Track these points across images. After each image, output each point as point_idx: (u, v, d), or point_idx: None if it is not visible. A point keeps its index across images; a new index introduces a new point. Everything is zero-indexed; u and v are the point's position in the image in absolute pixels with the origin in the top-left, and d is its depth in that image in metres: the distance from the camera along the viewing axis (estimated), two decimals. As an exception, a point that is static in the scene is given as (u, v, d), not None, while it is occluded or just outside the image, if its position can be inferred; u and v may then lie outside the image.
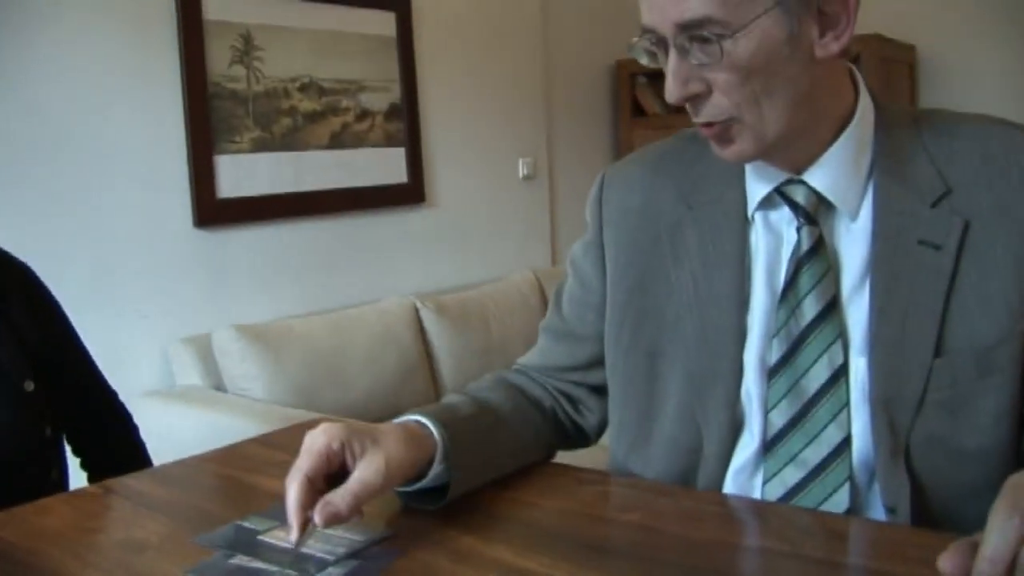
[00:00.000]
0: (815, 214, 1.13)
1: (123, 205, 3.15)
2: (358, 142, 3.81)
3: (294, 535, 0.97)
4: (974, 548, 0.75)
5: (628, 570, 0.94)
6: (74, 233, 3.04)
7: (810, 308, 1.12)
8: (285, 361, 3.18)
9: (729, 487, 1.18)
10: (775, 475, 1.13)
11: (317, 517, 0.96)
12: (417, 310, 3.73)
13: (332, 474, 1.02)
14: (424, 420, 1.11)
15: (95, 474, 1.66)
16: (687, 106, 1.08)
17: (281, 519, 1.10)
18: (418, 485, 1.09)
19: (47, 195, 2.99)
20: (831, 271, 1.12)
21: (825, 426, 1.11)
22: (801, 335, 1.12)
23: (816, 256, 1.12)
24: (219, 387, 3.17)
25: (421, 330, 3.70)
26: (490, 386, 1.30)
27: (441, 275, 4.15)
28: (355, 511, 0.99)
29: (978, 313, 1.07)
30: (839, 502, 1.10)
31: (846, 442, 1.10)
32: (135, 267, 3.20)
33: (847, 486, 1.10)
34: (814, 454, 1.11)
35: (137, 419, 3.02)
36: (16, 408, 1.47)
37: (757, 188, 1.16)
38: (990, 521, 0.74)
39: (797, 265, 1.13)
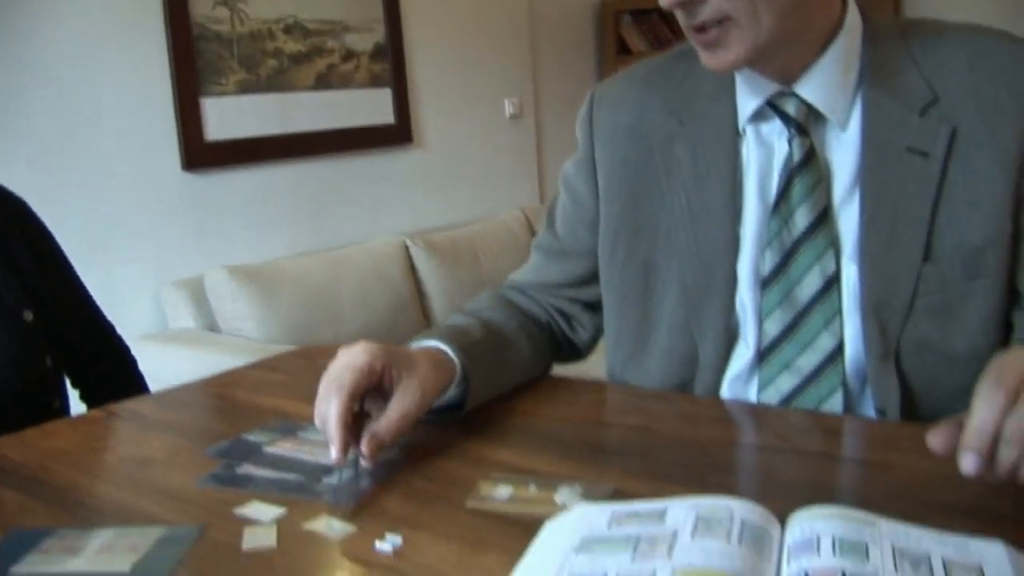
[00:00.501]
0: (806, 125, 1.14)
1: (111, 151, 3.15)
2: (344, 83, 3.80)
3: (335, 452, 0.96)
4: (961, 426, 0.77)
5: (629, 467, 0.97)
6: (63, 180, 3.04)
7: (802, 218, 1.14)
8: (277, 300, 3.19)
9: (725, 396, 1.20)
10: (770, 383, 1.16)
11: (365, 449, 0.97)
12: (407, 248, 3.74)
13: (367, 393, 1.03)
14: (444, 347, 1.13)
15: (95, 406, 1.68)
16: (678, 13, 1.08)
17: (283, 432, 1.13)
18: (437, 405, 1.11)
19: (34, 144, 2.99)
20: (822, 181, 1.14)
21: (818, 333, 1.13)
22: (793, 245, 1.14)
23: (808, 167, 1.14)
24: (212, 328, 3.19)
25: (411, 268, 3.72)
26: (492, 306, 1.31)
27: (430, 215, 4.16)
28: (396, 440, 1.01)
29: (965, 218, 1.09)
30: (833, 407, 1.13)
31: (839, 349, 1.13)
32: (125, 212, 3.20)
33: (840, 392, 1.13)
34: (808, 361, 1.14)
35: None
36: (16, 338, 1.48)
37: (748, 101, 1.18)
38: (976, 396, 0.76)
39: (789, 176, 1.14)
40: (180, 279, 3.25)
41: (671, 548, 0.70)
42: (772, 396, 1.15)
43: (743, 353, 1.19)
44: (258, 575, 0.80)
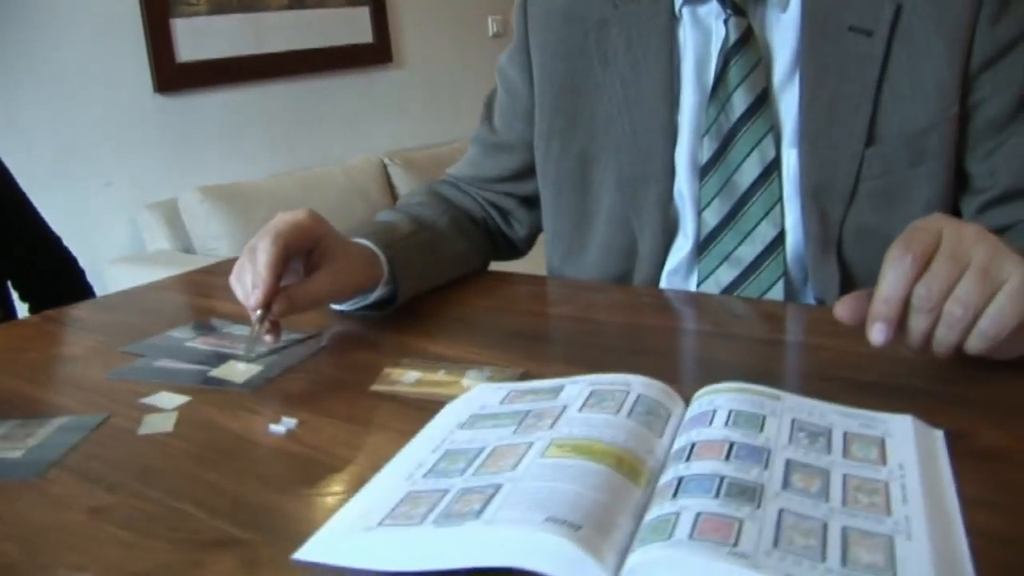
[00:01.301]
0: (743, 5, 1.09)
1: (80, 75, 3.10)
2: (319, 3, 3.72)
3: (258, 297, 0.92)
4: (871, 296, 0.74)
5: (550, 353, 0.94)
6: (32, 107, 3.00)
7: (740, 102, 1.09)
8: (251, 219, 3.16)
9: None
10: (710, 275, 1.13)
11: (275, 308, 0.93)
12: (385, 167, 3.70)
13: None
14: (370, 245, 1.08)
15: (45, 318, 1.66)
16: None
17: (207, 329, 1.10)
18: (361, 304, 1.08)
19: (2, 70, 2.93)
20: (761, 63, 1.09)
21: (758, 222, 1.10)
22: (731, 131, 1.10)
23: (745, 48, 1.09)
24: (188, 249, 3.17)
25: (389, 185, 3.68)
26: (423, 200, 1.27)
27: (410, 135, 4.10)
28: (305, 311, 0.98)
29: (909, 99, 1.05)
30: (774, 299, 1.09)
31: (779, 238, 1.09)
32: (97, 137, 3.16)
33: (781, 283, 1.10)
34: (748, 251, 1.10)
35: (108, 285, 3.05)
36: None
37: None
38: (884, 263, 0.73)
39: (726, 58, 1.10)
40: (155, 202, 3.22)
41: (556, 421, 0.67)
42: (712, 288, 1.12)
43: (682, 245, 1.16)
44: (147, 456, 0.78)
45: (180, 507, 0.68)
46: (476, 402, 0.76)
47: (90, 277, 2.93)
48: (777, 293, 1.10)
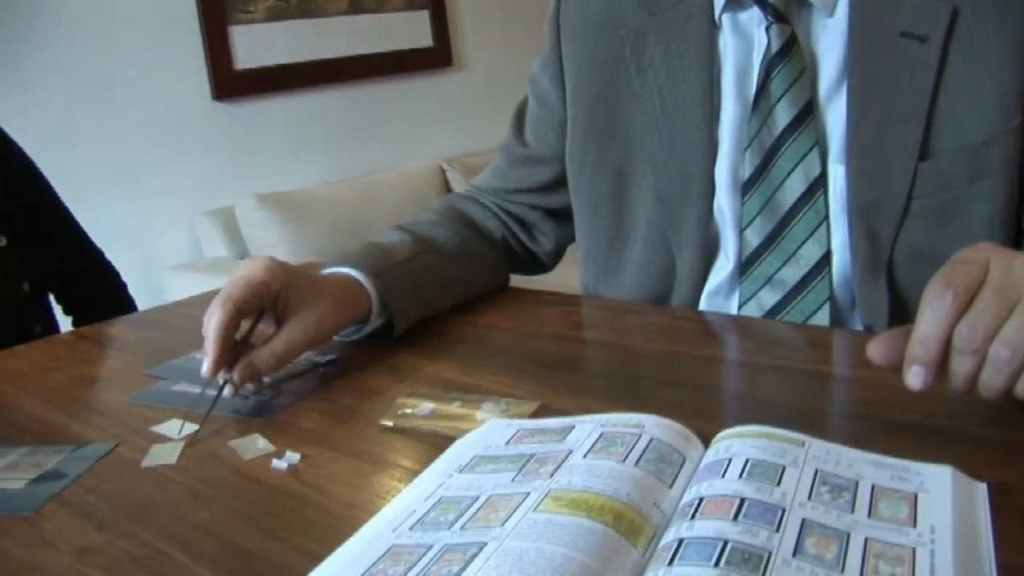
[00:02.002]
0: (786, 11, 1.03)
1: (140, 84, 3.12)
2: (379, 6, 3.70)
3: (207, 366, 0.89)
4: (908, 334, 0.68)
5: (571, 383, 0.89)
6: (94, 116, 3.03)
7: (783, 115, 1.03)
8: (308, 227, 3.15)
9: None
10: (751, 297, 1.07)
11: (236, 375, 0.90)
12: (444, 172, 3.67)
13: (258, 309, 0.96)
14: (357, 276, 1.04)
15: (87, 332, 1.66)
16: None
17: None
18: (359, 335, 1.05)
19: (62, 79, 2.98)
20: (806, 73, 1.03)
21: (803, 243, 1.04)
22: (774, 145, 1.04)
23: (788, 57, 1.03)
24: (244, 256, 3.17)
25: (448, 191, 3.65)
26: (437, 219, 1.22)
27: (471, 140, 4.06)
28: (275, 370, 0.94)
29: (968, 109, 0.98)
30: (819, 323, 1.03)
31: (825, 259, 1.03)
32: (156, 144, 3.18)
33: (827, 307, 1.03)
34: (792, 273, 1.04)
35: (166, 292, 3.07)
36: None
37: None
38: (923, 299, 0.67)
39: (768, 68, 1.04)
40: (212, 209, 3.23)
41: (558, 468, 0.63)
42: (753, 311, 1.06)
43: (723, 265, 1.10)
44: (144, 490, 0.76)
45: (165, 550, 0.65)
46: (482, 442, 0.72)
47: (148, 284, 2.99)
48: (823, 317, 1.04)
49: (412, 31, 3.83)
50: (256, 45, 3.34)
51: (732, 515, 0.55)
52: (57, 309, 1.67)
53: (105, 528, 0.69)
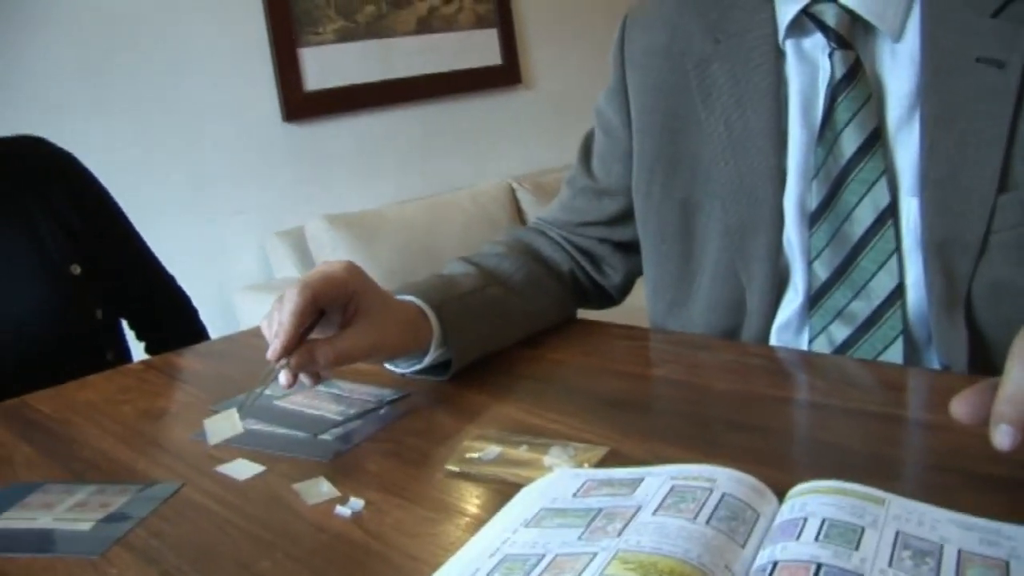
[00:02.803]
0: (850, 37, 1.00)
1: (211, 106, 3.17)
2: (447, 26, 3.72)
3: (276, 347, 0.89)
4: (994, 389, 0.64)
5: (648, 426, 0.87)
6: (166, 138, 3.08)
7: (849, 143, 1.00)
8: (378, 247, 3.16)
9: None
10: (822, 331, 1.04)
11: (294, 360, 0.90)
12: (513, 191, 3.66)
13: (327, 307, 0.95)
14: (421, 305, 1.03)
15: (158, 357, 1.68)
16: None
17: (298, 387, 1.07)
18: (417, 367, 1.03)
19: (135, 102, 3.03)
20: (872, 100, 1.00)
21: (873, 275, 1.00)
22: (841, 174, 1.01)
23: (853, 84, 1.00)
24: (314, 278, 3.19)
25: (518, 211, 3.64)
26: (503, 252, 1.21)
27: (540, 158, 4.04)
28: (332, 366, 0.93)
29: None
30: (891, 360, 1.00)
31: (897, 292, 0.99)
32: (228, 166, 3.22)
33: (900, 342, 1.00)
34: (862, 307, 1.01)
35: (237, 312, 3.10)
36: (63, 291, 1.47)
37: (785, 11, 1.04)
38: (1010, 355, 0.63)
39: (832, 95, 1.01)
40: (283, 230, 3.26)
41: (627, 525, 0.61)
42: (824, 346, 1.03)
43: (792, 299, 1.07)
44: (208, 535, 0.75)
45: (228, 604, 0.64)
46: (549, 493, 0.70)
47: (219, 304, 3.02)
48: (895, 353, 1.00)
49: (481, 50, 3.83)
50: (326, 66, 3.37)
51: (808, 583, 0.52)
52: (130, 334, 1.69)
53: (168, 576, 0.69)
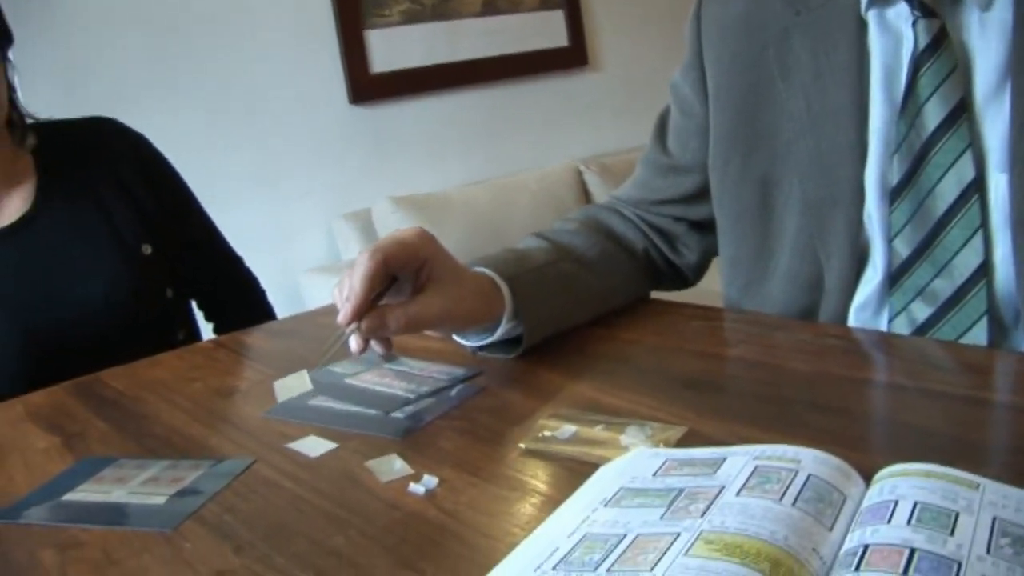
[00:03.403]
0: (935, 5, 0.97)
1: (278, 89, 3.19)
2: (512, 7, 3.69)
3: (347, 311, 0.88)
4: None
5: (725, 406, 0.85)
6: (234, 121, 3.11)
7: (932, 116, 0.97)
8: (444, 230, 3.15)
9: (852, 325, 1.06)
10: (902, 311, 1.00)
11: (364, 325, 0.89)
12: (580, 173, 3.64)
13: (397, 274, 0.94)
14: (493, 276, 1.02)
15: (226, 338, 1.68)
16: None
17: (370, 363, 1.07)
18: (488, 341, 1.02)
19: (202, 85, 3.06)
20: (957, 71, 0.96)
21: (956, 253, 0.97)
22: (923, 148, 0.97)
23: (937, 54, 0.96)
24: (380, 260, 3.19)
25: (585, 193, 3.61)
26: (576, 228, 1.19)
27: (608, 140, 4.01)
28: (403, 332, 0.92)
29: None
30: (975, 341, 0.96)
31: (982, 271, 0.95)
32: (295, 148, 3.24)
33: (985, 322, 0.96)
34: (945, 286, 0.97)
35: (303, 294, 3.12)
36: (135, 271, 1.48)
37: None
38: None
39: (915, 66, 0.97)
40: (350, 212, 3.27)
41: (710, 506, 0.59)
42: (904, 326, 1.00)
43: (871, 277, 1.04)
44: (281, 512, 0.75)
45: (301, 579, 0.64)
46: (628, 472, 0.68)
47: (285, 286, 3.04)
48: (979, 334, 0.96)
49: (547, 31, 3.80)
50: (392, 48, 3.37)
51: (902, 568, 0.50)
52: (199, 315, 1.70)
53: (242, 551, 0.69)
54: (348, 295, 0.89)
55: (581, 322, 1.10)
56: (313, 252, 3.28)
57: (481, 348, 1.04)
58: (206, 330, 1.69)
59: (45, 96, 2.44)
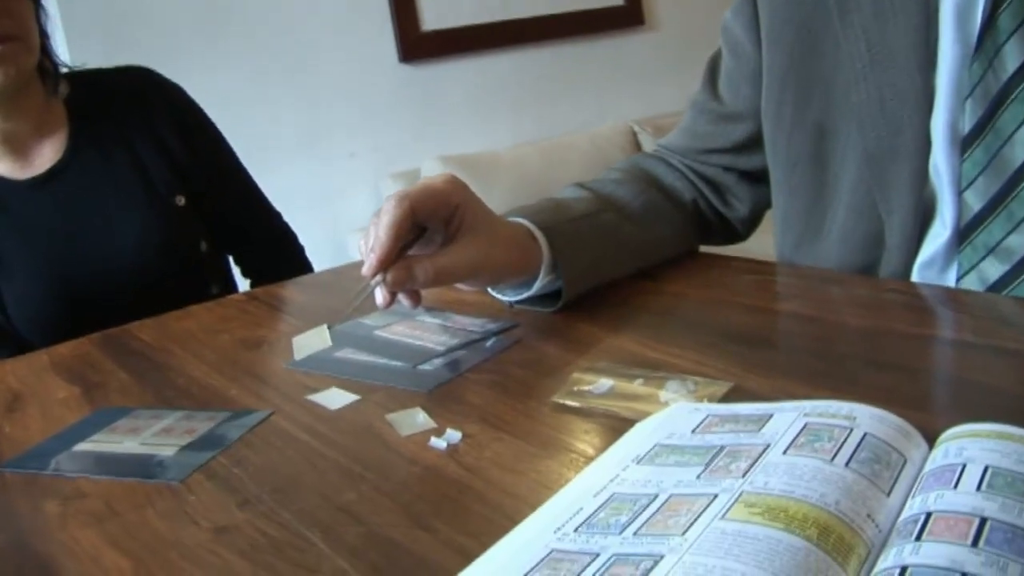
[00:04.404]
0: None
1: (326, 46, 3.15)
2: (568, -36, 3.62)
3: (372, 263, 0.83)
4: None
5: (768, 360, 0.79)
6: (283, 78, 3.08)
7: (1013, 56, 0.88)
8: (494, 189, 3.10)
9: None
10: (972, 269, 0.93)
11: (390, 276, 0.84)
12: (635, 134, 3.56)
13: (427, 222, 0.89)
14: (530, 226, 0.96)
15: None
16: None
17: (402, 315, 1.02)
18: (526, 295, 0.96)
19: (250, 44, 3.03)
20: None
21: None
22: (1001, 92, 0.89)
23: None
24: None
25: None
26: (620, 178, 1.12)
27: (663, 101, 3.91)
28: (432, 285, 0.86)
29: None
30: (1054, 301, 0.89)
31: None
32: (343, 107, 3.20)
33: None
34: (1020, 242, 0.89)
35: (352, 254, 3.08)
36: (168, 222, 1.45)
37: None
38: None
39: (994, 1, 0.89)
40: (398, 171, 3.23)
41: (753, 465, 0.53)
42: (974, 284, 0.92)
43: (939, 233, 0.96)
44: (293, 464, 0.70)
45: (307, 534, 0.59)
46: (665, 428, 0.63)
47: (332, 245, 3.01)
48: (1058, 294, 0.89)
49: (602, -11, 3.72)
50: (443, 6, 3.31)
51: (971, 539, 0.44)
52: (236, 271, 1.66)
53: (247, 505, 0.64)
54: (373, 245, 0.84)
55: (624, 275, 1.04)
56: (361, 212, 3.25)
57: (518, 302, 0.99)
58: (243, 286, 1.66)
59: (92, 48, 2.43)
